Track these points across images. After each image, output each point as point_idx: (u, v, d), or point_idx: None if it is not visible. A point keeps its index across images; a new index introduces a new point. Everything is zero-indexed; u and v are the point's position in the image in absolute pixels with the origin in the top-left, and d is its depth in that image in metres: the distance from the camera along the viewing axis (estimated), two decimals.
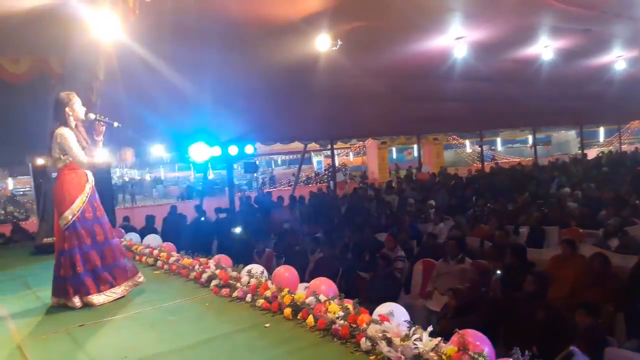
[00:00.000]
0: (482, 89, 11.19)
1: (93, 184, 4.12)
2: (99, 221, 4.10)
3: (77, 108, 4.05)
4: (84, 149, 4.02)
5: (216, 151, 10.85)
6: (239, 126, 10.40)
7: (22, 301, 4.28)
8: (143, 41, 6.11)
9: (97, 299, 3.94)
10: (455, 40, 7.51)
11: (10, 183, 23.87)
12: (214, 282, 4.11)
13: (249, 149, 11.81)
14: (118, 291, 4.08)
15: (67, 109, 4.01)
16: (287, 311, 3.26)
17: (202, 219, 11.12)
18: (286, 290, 3.42)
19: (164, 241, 5.90)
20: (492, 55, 8.63)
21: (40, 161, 9.40)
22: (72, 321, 3.57)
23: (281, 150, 21.40)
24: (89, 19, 5.10)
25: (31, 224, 12.53)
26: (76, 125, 4.06)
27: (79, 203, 3.98)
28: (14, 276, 5.27)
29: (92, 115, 4.12)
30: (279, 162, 31.43)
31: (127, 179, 26.71)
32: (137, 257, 5.64)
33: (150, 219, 10.30)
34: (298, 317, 3.19)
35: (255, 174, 23.46)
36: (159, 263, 5.17)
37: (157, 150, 12.70)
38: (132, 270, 4.27)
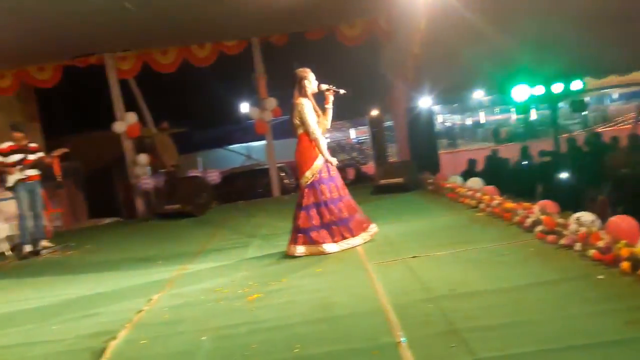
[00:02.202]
0: None
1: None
2: (333, 180, 4.59)
3: (312, 81, 4.62)
4: (318, 118, 4.60)
5: (538, 90, 10.16)
6: (565, 61, 9.42)
7: None
8: None
9: (330, 247, 4.44)
10: None
11: (352, 133, 27.88)
12: (538, 228, 4.03)
13: (576, 85, 10.62)
14: (355, 242, 4.52)
15: (304, 82, 4.58)
16: (625, 265, 2.96)
17: (525, 162, 10.73)
18: (623, 242, 3.10)
19: (486, 184, 6.02)
20: None
21: (374, 112, 10.70)
22: (406, 253, 4.10)
23: (617, 82, 18.34)
24: None
25: (370, 167, 14.46)
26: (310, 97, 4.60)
27: (318, 164, 4.53)
28: None
29: (323, 86, 4.66)
30: (615, 96, 27.06)
31: (449, 124, 27.65)
32: (461, 199, 5.95)
33: (471, 163, 10.55)
34: (639, 273, 2.87)
35: (584, 113, 20.93)
36: (482, 206, 5.35)
37: (477, 94, 12.72)
38: (366, 223, 4.68)
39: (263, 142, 11.47)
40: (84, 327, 3.38)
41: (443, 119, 26.67)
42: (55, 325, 3.51)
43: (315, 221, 4.48)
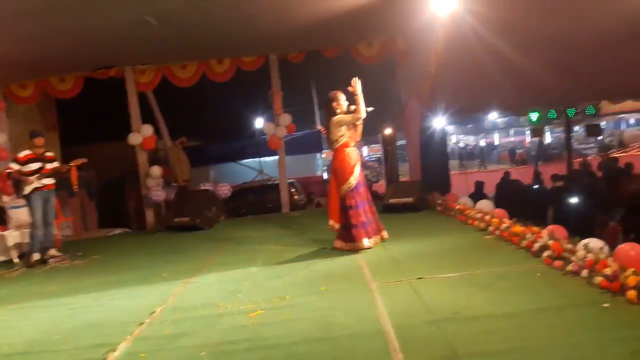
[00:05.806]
0: None
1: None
2: (364, 185, 5.32)
3: (342, 103, 5.22)
4: (349, 132, 5.24)
5: (552, 114, 10.11)
6: (579, 85, 9.38)
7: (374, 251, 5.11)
8: (475, 10, 6.19)
9: (367, 242, 5.12)
10: None
11: (365, 150, 27.93)
12: (546, 253, 3.99)
13: (590, 110, 10.56)
14: (372, 242, 5.17)
15: (334, 104, 5.20)
16: (631, 294, 2.91)
17: (536, 186, 10.63)
18: (631, 270, 3.05)
19: (496, 207, 5.97)
20: None
21: (387, 131, 10.70)
22: (411, 274, 4.06)
23: (633, 108, 18.20)
24: None
25: (381, 186, 14.43)
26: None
27: (358, 170, 5.21)
28: None
29: (352, 107, 5.20)
30: (631, 122, 26.82)
31: (462, 145, 27.57)
32: (470, 221, 5.90)
33: (478, 185, 10.49)
34: None
35: (599, 137, 20.77)
36: (490, 229, 5.30)
37: (492, 116, 12.68)
38: (380, 227, 5.36)
39: (275, 158, 11.51)
40: (85, 337, 3.39)
41: (457, 139, 26.62)
42: (57, 335, 3.52)
43: (363, 218, 5.15)
